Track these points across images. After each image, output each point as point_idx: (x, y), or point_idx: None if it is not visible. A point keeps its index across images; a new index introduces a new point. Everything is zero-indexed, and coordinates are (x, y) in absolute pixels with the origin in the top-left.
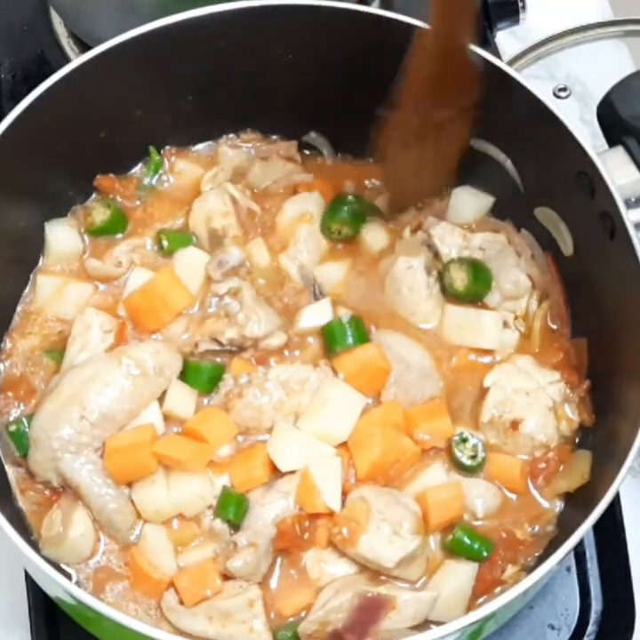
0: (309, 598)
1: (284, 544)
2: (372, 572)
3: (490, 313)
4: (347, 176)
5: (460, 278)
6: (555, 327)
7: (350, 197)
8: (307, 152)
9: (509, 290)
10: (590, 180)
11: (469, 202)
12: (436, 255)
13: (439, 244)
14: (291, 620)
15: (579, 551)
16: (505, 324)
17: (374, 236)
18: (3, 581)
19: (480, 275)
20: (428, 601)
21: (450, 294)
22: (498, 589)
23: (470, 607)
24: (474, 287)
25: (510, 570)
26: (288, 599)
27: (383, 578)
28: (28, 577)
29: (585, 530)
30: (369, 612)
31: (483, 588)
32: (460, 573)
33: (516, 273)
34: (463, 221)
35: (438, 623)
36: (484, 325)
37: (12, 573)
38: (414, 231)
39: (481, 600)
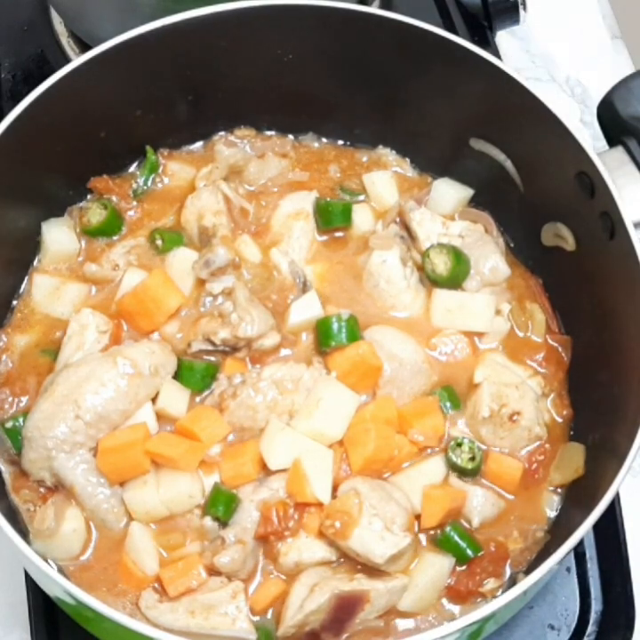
0: (280, 589)
1: (264, 530)
2: (348, 560)
3: (483, 296)
4: (332, 161)
5: (442, 262)
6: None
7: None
8: (291, 137)
9: (488, 276)
10: (590, 180)
11: (449, 193)
12: (414, 243)
13: (418, 229)
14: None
15: (578, 552)
16: (497, 312)
17: (362, 217)
18: (3, 581)
19: (461, 258)
20: (399, 589)
21: (431, 280)
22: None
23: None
24: (456, 270)
25: (492, 584)
26: (260, 592)
27: (359, 567)
28: (28, 577)
29: (585, 530)
30: (346, 609)
31: (454, 594)
32: (437, 566)
33: (494, 259)
34: (443, 212)
35: (408, 615)
36: (477, 308)
37: (12, 573)
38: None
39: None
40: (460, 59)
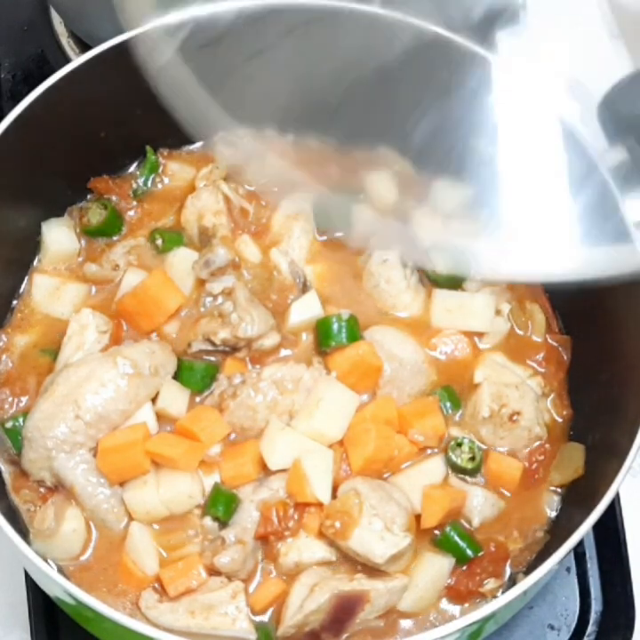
0: (280, 589)
1: (264, 530)
2: (348, 560)
3: (483, 296)
4: (332, 161)
5: (442, 262)
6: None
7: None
8: (291, 137)
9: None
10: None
11: (449, 193)
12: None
13: (418, 228)
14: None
15: (578, 552)
16: (497, 312)
17: (362, 217)
18: (3, 581)
19: (460, 259)
20: (399, 590)
21: (431, 281)
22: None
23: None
24: (457, 270)
25: (492, 584)
26: (260, 592)
27: (359, 567)
28: (27, 577)
29: (585, 530)
30: (346, 610)
31: (454, 594)
32: (437, 566)
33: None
34: (443, 212)
35: (408, 615)
36: (477, 308)
37: (12, 573)
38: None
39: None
40: (460, 58)
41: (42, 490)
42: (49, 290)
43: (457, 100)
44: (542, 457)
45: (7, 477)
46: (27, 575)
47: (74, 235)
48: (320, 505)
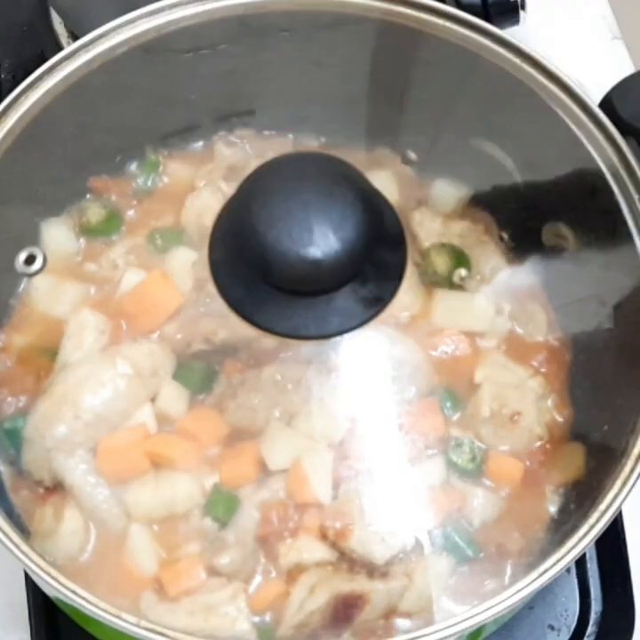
0: (280, 589)
1: (264, 530)
2: (349, 561)
3: (483, 295)
4: None
5: (442, 262)
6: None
7: None
8: (291, 136)
9: (488, 276)
10: (591, 179)
11: (449, 193)
12: (414, 242)
13: (418, 229)
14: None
15: None
16: (498, 312)
17: None
18: (3, 581)
19: (461, 258)
20: (399, 590)
21: (432, 281)
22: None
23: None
24: (457, 270)
25: (492, 584)
26: (260, 593)
27: (359, 568)
28: (27, 577)
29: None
30: (346, 610)
31: (454, 595)
32: (437, 566)
33: (494, 259)
34: (443, 212)
35: (408, 615)
36: (477, 308)
37: (12, 573)
38: None
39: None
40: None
41: (41, 490)
42: (47, 290)
43: (457, 98)
44: (542, 457)
45: (6, 478)
46: (27, 575)
47: (73, 234)
48: (320, 505)
